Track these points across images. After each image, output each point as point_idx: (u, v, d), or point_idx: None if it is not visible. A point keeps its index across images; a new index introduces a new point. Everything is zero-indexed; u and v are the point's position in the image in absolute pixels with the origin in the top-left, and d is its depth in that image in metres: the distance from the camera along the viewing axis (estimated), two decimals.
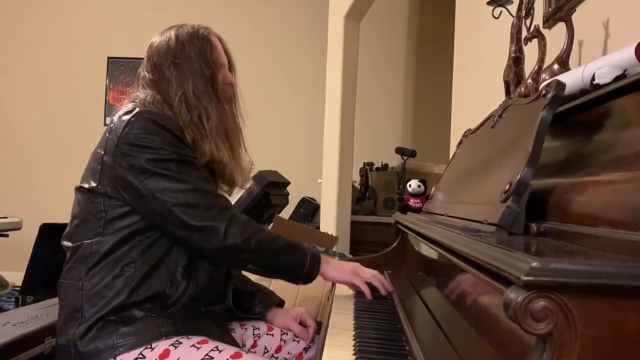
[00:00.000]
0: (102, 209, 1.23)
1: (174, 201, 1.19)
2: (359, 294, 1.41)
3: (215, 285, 1.34)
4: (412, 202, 1.82)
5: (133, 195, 1.21)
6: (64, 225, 1.33)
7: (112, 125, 1.27)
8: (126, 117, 1.24)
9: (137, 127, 1.22)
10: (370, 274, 1.38)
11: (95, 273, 1.21)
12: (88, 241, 1.23)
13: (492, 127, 1.18)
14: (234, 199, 2.46)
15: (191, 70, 1.32)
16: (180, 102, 1.29)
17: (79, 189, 1.29)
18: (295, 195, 3.76)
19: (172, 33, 1.36)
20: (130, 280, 1.19)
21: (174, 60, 1.32)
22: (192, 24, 1.39)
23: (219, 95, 1.37)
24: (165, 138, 1.22)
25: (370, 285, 1.37)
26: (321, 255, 1.33)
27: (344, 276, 1.36)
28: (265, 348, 1.42)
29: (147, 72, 1.35)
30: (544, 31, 1.37)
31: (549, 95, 0.83)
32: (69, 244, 1.27)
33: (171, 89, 1.31)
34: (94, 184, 1.25)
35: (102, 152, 1.24)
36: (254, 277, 1.55)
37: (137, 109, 1.25)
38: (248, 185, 1.47)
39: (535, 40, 1.33)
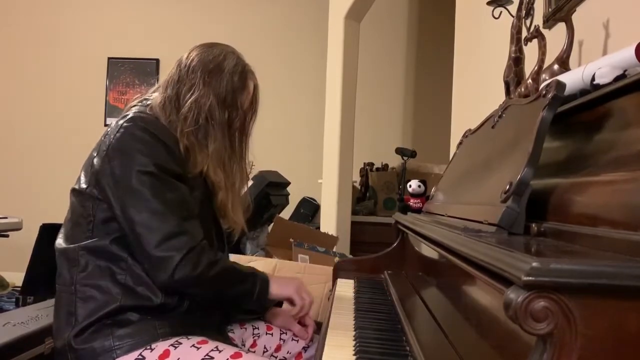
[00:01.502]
0: (91, 212, 1.23)
1: (137, 220, 1.17)
2: (358, 294, 1.41)
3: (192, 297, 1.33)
4: (412, 202, 1.82)
5: (107, 202, 1.21)
6: None
7: (108, 129, 1.27)
8: (121, 122, 1.24)
9: (127, 133, 1.21)
10: (309, 301, 1.39)
11: (86, 277, 1.20)
12: (78, 244, 1.22)
13: (492, 127, 1.18)
14: None
15: (215, 94, 1.31)
16: (190, 110, 1.28)
17: (73, 191, 1.29)
18: (295, 196, 3.75)
19: (224, 53, 1.36)
20: (123, 285, 1.19)
21: (206, 76, 1.32)
22: (242, 58, 1.39)
23: (232, 134, 1.37)
24: (152, 148, 1.21)
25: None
26: (270, 276, 1.34)
27: (286, 292, 1.36)
28: (265, 347, 1.42)
29: (179, 69, 1.34)
30: (544, 31, 1.37)
31: (549, 96, 0.83)
32: (62, 246, 1.27)
33: (188, 94, 1.30)
34: (84, 186, 1.25)
35: (95, 155, 1.25)
36: None
37: (131, 115, 1.25)
38: (237, 228, 1.44)
39: (535, 41, 1.33)
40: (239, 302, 1.37)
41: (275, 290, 1.34)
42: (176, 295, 1.23)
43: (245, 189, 1.46)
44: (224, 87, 1.33)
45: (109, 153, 1.21)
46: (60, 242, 1.28)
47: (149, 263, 1.19)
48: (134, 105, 1.32)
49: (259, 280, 1.31)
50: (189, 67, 1.33)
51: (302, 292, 1.38)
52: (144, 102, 1.33)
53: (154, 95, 1.33)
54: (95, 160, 1.23)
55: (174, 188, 1.22)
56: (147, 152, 1.20)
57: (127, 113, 1.27)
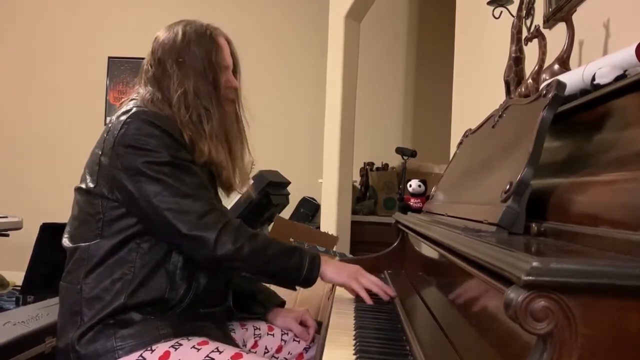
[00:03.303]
0: (100, 211, 1.22)
1: (165, 206, 1.17)
2: (359, 297, 1.41)
3: (215, 287, 1.33)
4: (412, 202, 1.83)
5: (126, 198, 1.20)
6: (65, 225, 1.32)
7: (110, 125, 1.26)
8: (123, 118, 1.23)
9: (133, 128, 1.20)
10: (370, 281, 1.32)
11: (94, 276, 1.20)
12: (87, 244, 1.22)
13: (493, 127, 1.18)
14: (234, 199, 2.46)
15: (194, 70, 1.30)
16: (180, 101, 1.28)
17: (78, 190, 1.28)
18: (295, 195, 3.75)
19: (180, 29, 1.34)
20: (129, 283, 1.19)
21: (178, 58, 1.30)
22: (201, 22, 1.37)
23: (221, 97, 1.35)
24: (162, 140, 1.20)
25: (371, 291, 1.33)
26: (323, 258, 1.30)
27: (342, 278, 1.32)
28: (266, 348, 1.42)
29: (150, 67, 1.33)
30: (545, 31, 1.37)
31: (550, 95, 0.83)
32: (69, 245, 1.26)
33: (172, 87, 1.29)
34: (91, 185, 1.24)
35: (100, 153, 1.24)
36: None
37: (134, 109, 1.24)
38: (245, 189, 1.44)
39: (535, 40, 1.33)
40: (288, 278, 1.29)
41: (331, 274, 1.30)
42: (181, 290, 1.22)
43: (247, 150, 1.43)
44: (198, 57, 1.31)
45: (116, 149, 1.20)
46: (66, 241, 1.27)
47: (187, 245, 1.19)
48: (132, 100, 1.31)
49: (308, 255, 1.27)
50: (158, 60, 1.32)
51: (360, 278, 1.31)
52: (136, 97, 1.31)
53: (140, 92, 1.32)
54: (102, 159, 1.23)
55: (192, 171, 1.23)
56: (158, 143, 1.20)
57: (128, 108, 1.26)
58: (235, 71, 1.41)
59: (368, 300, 1.30)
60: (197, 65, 1.31)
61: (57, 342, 1.24)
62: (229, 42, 1.40)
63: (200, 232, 1.17)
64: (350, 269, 1.34)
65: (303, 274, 1.25)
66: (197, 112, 1.29)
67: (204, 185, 1.25)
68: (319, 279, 1.30)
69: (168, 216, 1.17)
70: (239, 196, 1.53)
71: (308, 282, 1.27)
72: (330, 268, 1.30)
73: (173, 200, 1.18)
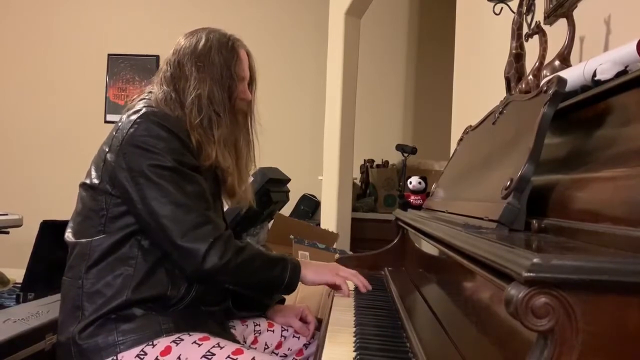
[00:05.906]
0: (104, 207, 1.23)
1: (161, 212, 1.18)
2: (358, 290, 1.41)
3: (216, 287, 1.33)
4: (412, 199, 1.82)
5: (125, 197, 1.21)
6: (65, 222, 1.33)
7: (119, 123, 1.27)
8: (133, 117, 1.24)
9: (142, 129, 1.22)
10: (350, 273, 1.41)
11: (96, 271, 1.21)
12: (89, 239, 1.23)
13: (493, 123, 1.18)
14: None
15: (211, 76, 1.32)
16: (193, 103, 1.29)
17: (83, 185, 1.29)
18: (295, 192, 3.75)
19: (203, 35, 1.36)
20: (131, 279, 1.19)
21: (197, 62, 1.33)
22: (224, 32, 1.40)
23: (234, 106, 1.37)
24: (169, 143, 1.21)
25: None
26: (302, 262, 1.34)
27: (324, 277, 1.37)
28: (266, 344, 1.42)
29: (169, 67, 1.35)
30: (545, 27, 1.37)
31: (550, 92, 0.83)
32: (72, 240, 1.27)
33: (187, 89, 1.31)
34: (96, 181, 1.25)
35: (107, 150, 1.25)
36: None
37: (144, 110, 1.25)
38: (245, 202, 1.46)
39: (536, 37, 1.33)
40: (270, 288, 1.37)
41: (312, 276, 1.34)
42: (182, 288, 1.23)
43: (253, 163, 1.46)
44: (217, 65, 1.33)
45: (123, 148, 1.21)
46: (69, 235, 1.28)
47: (177, 254, 1.20)
48: (142, 99, 1.32)
49: (290, 265, 1.30)
50: (178, 61, 1.34)
51: (340, 272, 1.39)
52: (148, 97, 1.33)
53: (154, 91, 1.34)
54: (108, 156, 1.24)
55: (194, 180, 1.24)
56: (164, 146, 1.21)
57: (139, 108, 1.27)
58: (251, 84, 1.43)
59: (347, 293, 1.39)
60: (214, 71, 1.33)
61: (58, 337, 1.25)
62: (249, 55, 1.42)
63: (191, 244, 1.18)
64: (329, 266, 1.42)
65: (284, 283, 1.30)
66: (208, 117, 1.30)
67: (203, 195, 1.25)
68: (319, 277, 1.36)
69: (163, 223, 1.18)
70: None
71: (288, 290, 1.34)
72: (310, 271, 1.35)
73: (170, 207, 1.18)
